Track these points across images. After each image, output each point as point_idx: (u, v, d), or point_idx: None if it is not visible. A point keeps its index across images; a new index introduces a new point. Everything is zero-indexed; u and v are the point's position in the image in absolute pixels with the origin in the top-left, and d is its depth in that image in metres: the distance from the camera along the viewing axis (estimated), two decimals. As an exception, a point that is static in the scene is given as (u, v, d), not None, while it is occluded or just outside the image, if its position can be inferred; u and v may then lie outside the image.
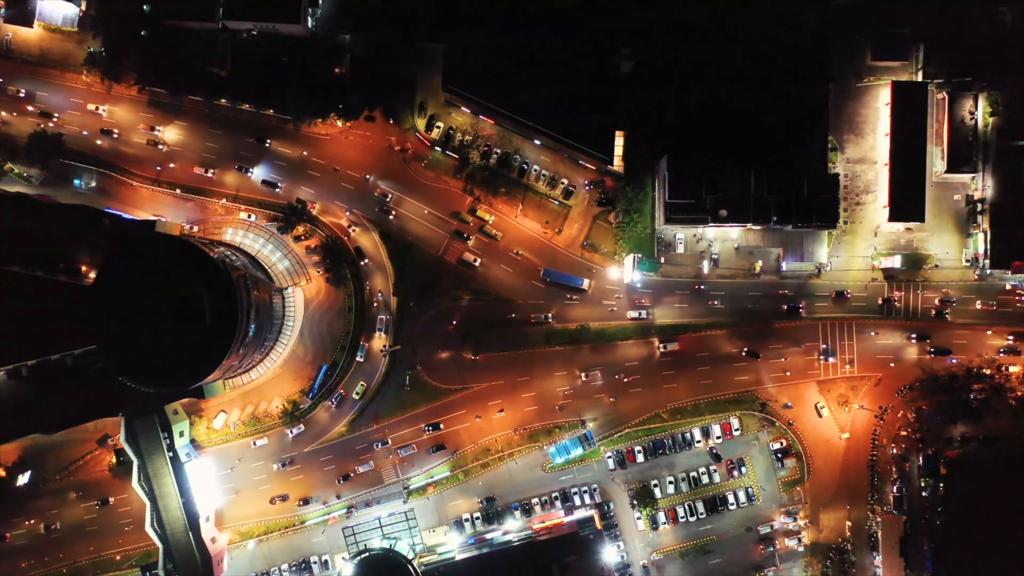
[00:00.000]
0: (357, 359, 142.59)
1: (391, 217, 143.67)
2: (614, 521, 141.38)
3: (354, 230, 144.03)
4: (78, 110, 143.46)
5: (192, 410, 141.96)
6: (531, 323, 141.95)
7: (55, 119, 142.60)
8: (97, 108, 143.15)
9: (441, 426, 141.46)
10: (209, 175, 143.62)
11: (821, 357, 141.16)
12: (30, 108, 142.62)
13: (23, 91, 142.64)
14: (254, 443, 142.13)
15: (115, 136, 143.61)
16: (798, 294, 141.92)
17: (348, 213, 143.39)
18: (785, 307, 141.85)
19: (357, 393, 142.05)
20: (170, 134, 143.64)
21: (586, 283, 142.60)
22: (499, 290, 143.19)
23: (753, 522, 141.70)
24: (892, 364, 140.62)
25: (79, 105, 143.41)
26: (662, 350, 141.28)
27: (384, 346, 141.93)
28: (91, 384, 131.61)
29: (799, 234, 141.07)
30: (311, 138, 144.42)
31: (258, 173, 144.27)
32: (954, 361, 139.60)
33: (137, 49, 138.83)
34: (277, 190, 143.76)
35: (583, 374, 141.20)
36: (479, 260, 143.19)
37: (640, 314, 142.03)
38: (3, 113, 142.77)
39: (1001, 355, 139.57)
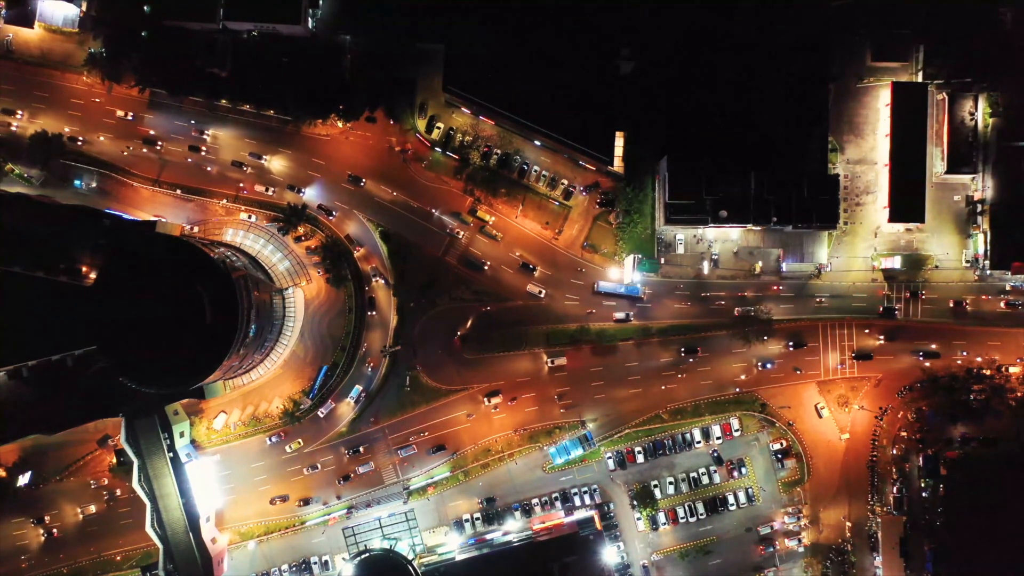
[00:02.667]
0: (319, 413, 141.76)
1: (485, 268, 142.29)
2: (614, 522, 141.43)
3: (377, 280, 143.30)
4: (182, 133, 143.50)
5: (192, 410, 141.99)
6: (614, 322, 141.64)
7: (159, 146, 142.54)
8: (202, 132, 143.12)
9: (361, 450, 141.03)
10: (270, 193, 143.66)
11: (758, 364, 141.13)
12: (152, 132, 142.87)
13: (131, 114, 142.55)
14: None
15: (202, 152, 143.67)
16: (893, 296, 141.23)
17: (382, 278, 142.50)
18: (881, 308, 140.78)
19: (290, 448, 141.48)
20: (276, 163, 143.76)
21: (643, 291, 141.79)
22: (499, 290, 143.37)
23: (753, 523, 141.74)
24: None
25: (184, 128, 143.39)
26: (550, 365, 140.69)
27: (385, 348, 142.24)
28: (91, 384, 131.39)
29: (799, 235, 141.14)
30: (312, 139, 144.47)
31: (311, 194, 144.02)
32: (831, 368, 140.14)
33: (138, 50, 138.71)
34: (331, 217, 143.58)
35: (486, 399, 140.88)
36: (544, 291, 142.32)
37: (749, 310, 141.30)
38: (102, 138, 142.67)
39: (852, 358, 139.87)
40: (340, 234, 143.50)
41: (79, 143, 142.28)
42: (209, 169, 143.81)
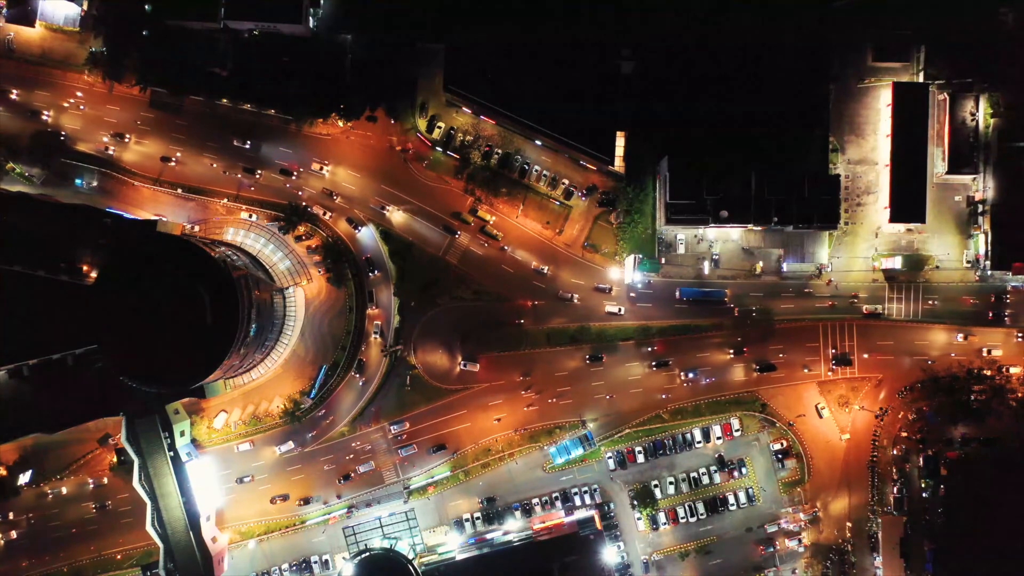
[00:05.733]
0: (235, 447, 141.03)
1: (576, 300, 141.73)
2: (614, 521, 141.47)
3: (375, 338, 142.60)
4: (290, 161, 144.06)
5: (193, 410, 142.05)
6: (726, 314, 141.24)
7: (259, 174, 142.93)
8: (321, 168, 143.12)
9: (251, 478, 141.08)
10: (327, 217, 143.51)
11: (683, 374, 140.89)
12: (292, 166, 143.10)
13: (249, 143, 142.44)
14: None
15: (293, 177, 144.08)
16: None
17: (382, 336, 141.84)
18: (991, 314, 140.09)
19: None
20: (397, 215, 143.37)
21: (728, 293, 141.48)
22: (499, 290, 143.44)
23: (755, 522, 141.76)
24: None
25: (294, 157, 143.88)
26: (461, 368, 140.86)
27: (386, 348, 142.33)
28: (92, 384, 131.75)
29: (800, 235, 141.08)
30: (312, 138, 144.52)
31: (365, 233, 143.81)
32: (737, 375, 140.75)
33: (138, 49, 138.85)
34: (373, 274, 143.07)
35: (390, 427, 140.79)
36: (623, 308, 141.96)
37: (876, 308, 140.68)
38: (214, 165, 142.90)
39: (756, 371, 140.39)
40: (362, 263, 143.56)
41: (173, 162, 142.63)
42: (300, 192, 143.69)
